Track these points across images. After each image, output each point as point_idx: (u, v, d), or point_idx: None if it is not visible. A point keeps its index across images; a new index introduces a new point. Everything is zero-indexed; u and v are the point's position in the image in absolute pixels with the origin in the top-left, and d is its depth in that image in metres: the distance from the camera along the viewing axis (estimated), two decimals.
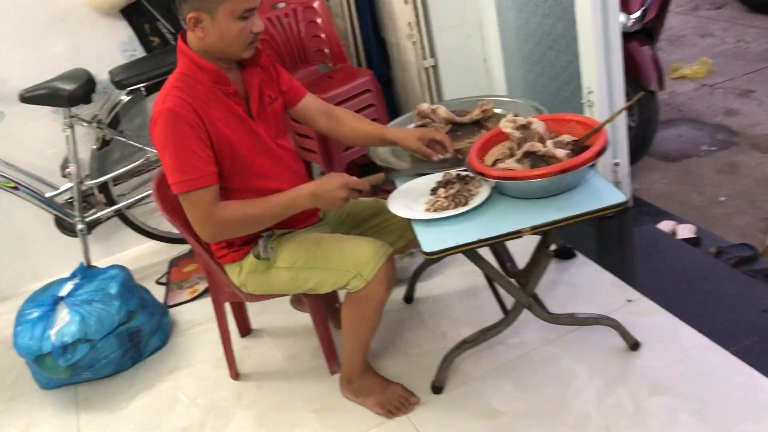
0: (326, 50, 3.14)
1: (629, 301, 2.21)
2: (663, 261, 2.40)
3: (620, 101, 2.47)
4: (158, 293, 2.87)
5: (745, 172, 3.27)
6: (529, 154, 1.72)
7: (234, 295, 2.10)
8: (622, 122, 2.55)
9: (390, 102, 3.42)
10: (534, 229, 1.63)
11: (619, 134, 2.53)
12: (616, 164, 2.59)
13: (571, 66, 2.57)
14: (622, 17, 3.27)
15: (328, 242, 1.90)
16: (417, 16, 2.92)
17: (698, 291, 2.21)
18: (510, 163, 1.71)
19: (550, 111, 2.20)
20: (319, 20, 3.09)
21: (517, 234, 1.64)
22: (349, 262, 1.82)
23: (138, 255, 3.25)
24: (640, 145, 3.42)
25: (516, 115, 1.83)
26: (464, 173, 1.85)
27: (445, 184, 1.84)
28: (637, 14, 3.31)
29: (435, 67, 3.04)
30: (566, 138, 1.78)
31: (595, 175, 1.75)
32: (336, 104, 2.30)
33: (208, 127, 1.76)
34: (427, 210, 1.77)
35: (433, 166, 1.93)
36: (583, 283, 2.34)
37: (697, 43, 5.03)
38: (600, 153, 1.66)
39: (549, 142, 1.70)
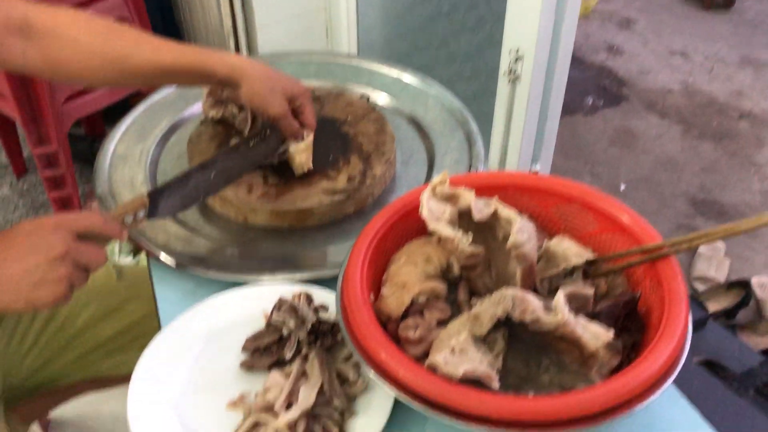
0: None
1: None
2: None
3: (563, 77, 1.46)
4: None
5: (643, 145, 2.51)
6: (506, 322, 0.67)
7: None
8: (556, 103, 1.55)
9: (160, 12, 2.08)
10: None
11: (548, 128, 1.54)
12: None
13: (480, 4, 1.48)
14: None
15: None
16: None
17: None
18: (462, 341, 0.65)
19: (439, 81, 1.16)
20: None
21: None
22: None
23: None
24: None
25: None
26: (326, 324, 0.76)
27: (273, 351, 0.74)
28: None
29: None
30: (572, 253, 0.75)
31: None
32: None
33: None
34: None
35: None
36: None
37: None
38: (682, 347, 0.66)
39: (561, 298, 0.65)
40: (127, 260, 1.39)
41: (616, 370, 0.66)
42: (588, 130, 2.60)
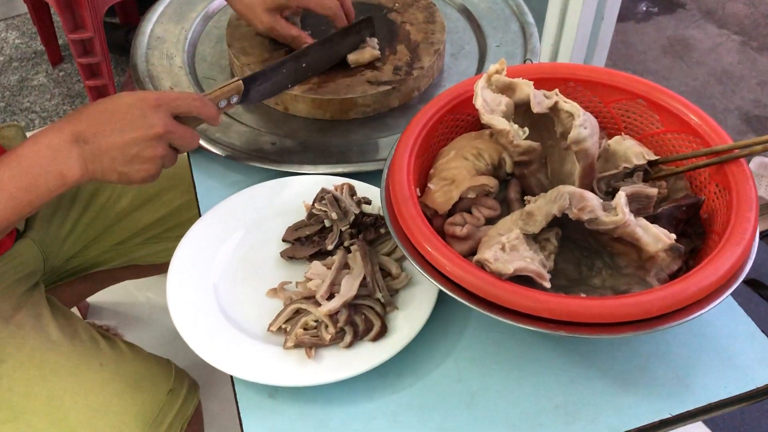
0: None
1: None
2: None
3: None
4: None
5: (698, 56, 2.38)
6: (557, 221, 0.63)
7: None
8: None
9: None
10: None
11: (603, 30, 1.45)
12: None
13: None
14: None
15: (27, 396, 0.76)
16: None
17: None
18: (513, 238, 0.62)
19: None
20: None
21: None
22: None
23: None
24: None
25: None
26: (367, 218, 0.73)
27: (312, 245, 0.72)
28: None
29: None
30: (633, 153, 0.70)
31: None
32: None
33: None
34: (283, 334, 0.66)
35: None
36: None
37: None
38: (749, 255, 0.62)
39: (622, 197, 0.61)
40: None
41: (673, 276, 0.63)
42: (640, 38, 2.47)
